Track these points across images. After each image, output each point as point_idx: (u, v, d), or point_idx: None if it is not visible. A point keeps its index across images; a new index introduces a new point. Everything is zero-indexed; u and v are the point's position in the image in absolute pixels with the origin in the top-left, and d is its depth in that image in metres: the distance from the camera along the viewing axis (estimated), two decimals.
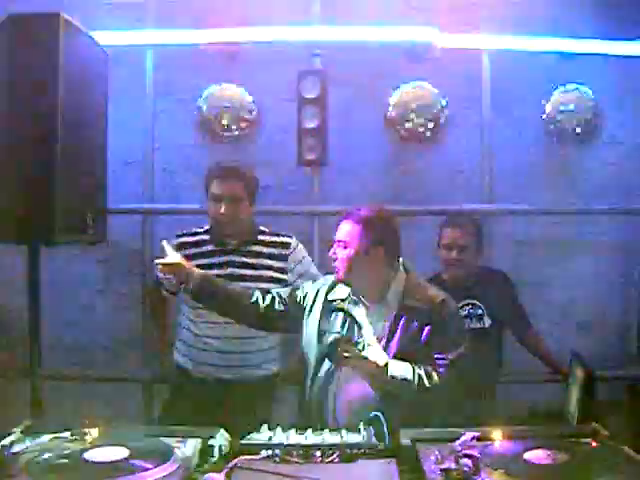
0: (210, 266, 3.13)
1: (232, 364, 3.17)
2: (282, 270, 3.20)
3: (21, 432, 2.03)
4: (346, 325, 2.60)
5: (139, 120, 4.27)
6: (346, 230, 2.59)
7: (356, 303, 2.63)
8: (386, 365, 2.42)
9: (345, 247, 2.57)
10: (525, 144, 4.41)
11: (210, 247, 3.23)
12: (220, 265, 3.17)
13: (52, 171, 2.31)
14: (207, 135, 4.39)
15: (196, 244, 3.24)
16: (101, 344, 4.43)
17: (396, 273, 2.64)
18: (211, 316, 3.11)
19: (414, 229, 3.76)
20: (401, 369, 2.44)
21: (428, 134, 4.34)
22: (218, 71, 4.32)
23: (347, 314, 2.61)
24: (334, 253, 2.60)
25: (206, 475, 1.70)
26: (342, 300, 2.64)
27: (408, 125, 4.33)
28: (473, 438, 1.91)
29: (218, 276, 3.10)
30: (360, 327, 2.57)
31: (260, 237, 3.25)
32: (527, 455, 1.84)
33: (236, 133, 4.38)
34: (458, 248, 3.43)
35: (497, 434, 1.99)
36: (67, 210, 2.40)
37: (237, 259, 3.19)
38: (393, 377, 2.42)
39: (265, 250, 3.22)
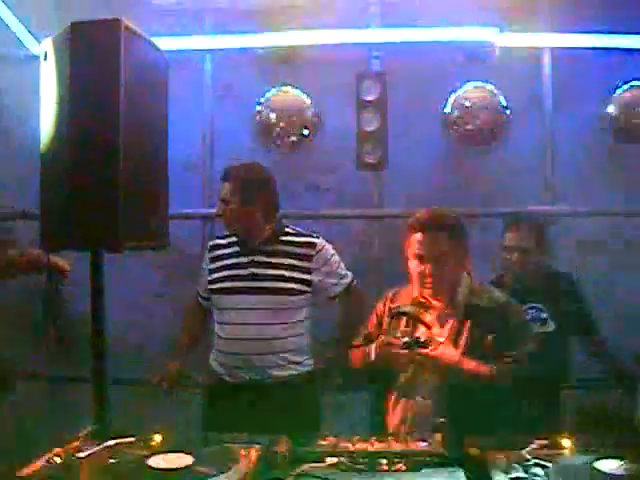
0: (233, 266, 3.20)
1: (255, 365, 3.13)
2: (307, 270, 3.17)
3: (86, 437, 2.04)
4: (410, 328, 2.60)
5: (199, 125, 4.31)
6: (432, 241, 2.58)
7: (425, 306, 2.63)
8: (459, 361, 2.45)
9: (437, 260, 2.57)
10: (588, 143, 4.29)
11: (236, 248, 3.26)
12: (243, 265, 3.19)
13: (115, 177, 2.30)
14: (266, 140, 4.38)
15: (225, 246, 3.29)
16: (159, 349, 4.45)
17: (461, 275, 2.65)
18: (232, 317, 3.16)
19: (476, 231, 3.69)
20: (473, 364, 2.45)
21: (489, 135, 4.25)
22: (277, 75, 4.33)
23: (412, 317, 2.61)
24: (420, 267, 2.60)
25: None
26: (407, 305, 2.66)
27: (468, 126, 4.25)
28: (543, 446, 1.86)
29: (239, 276, 3.17)
30: (428, 328, 2.56)
31: (284, 237, 3.23)
32: (598, 464, 1.77)
33: (295, 138, 4.36)
34: (520, 250, 3.36)
35: (566, 442, 1.94)
36: (131, 216, 2.39)
37: (259, 259, 3.18)
38: (466, 373, 2.43)
39: (289, 249, 3.20)
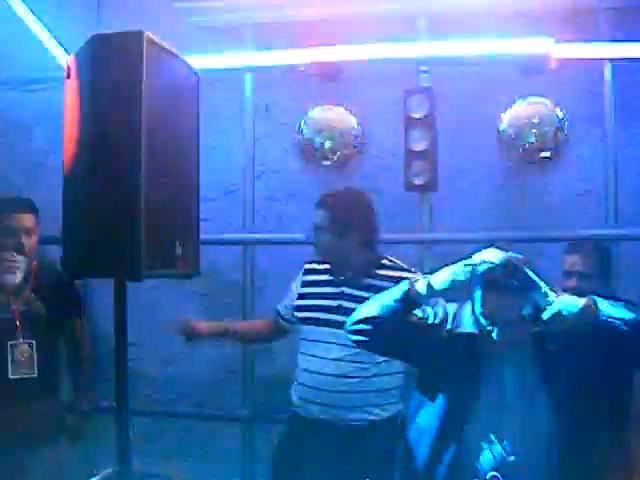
0: (321, 296, 3.02)
1: (333, 404, 2.92)
2: None
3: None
4: None
5: (240, 146, 4.16)
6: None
7: None
8: (594, 303, 2.12)
9: None
10: None
11: (327, 277, 3.07)
12: (331, 296, 3.00)
13: (137, 201, 2.14)
14: (310, 160, 4.22)
15: (320, 272, 3.10)
16: (198, 380, 4.29)
17: None
18: (314, 350, 2.98)
19: (533, 256, 3.43)
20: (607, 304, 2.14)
21: (546, 153, 3.99)
22: (320, 92, 4.15)
23: None
24: None
25: None
26: None
27: (524, 144, 3.99)
28: None
29: (326, 307, 2.98)
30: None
31: (379, 270, 3.00)
32: None
33: (340, 157, 4.18)
34: (577, 275, 3.10)
35: None
36: (153, 243, 2.22)
37: (349, 292, 2.98)
38: (604, 313, 2.10)
39: (382, 284, 2.87)
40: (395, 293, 2.31)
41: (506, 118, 4.03)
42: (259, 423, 4.00)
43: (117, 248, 2.17)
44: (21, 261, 3.11)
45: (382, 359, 2.95)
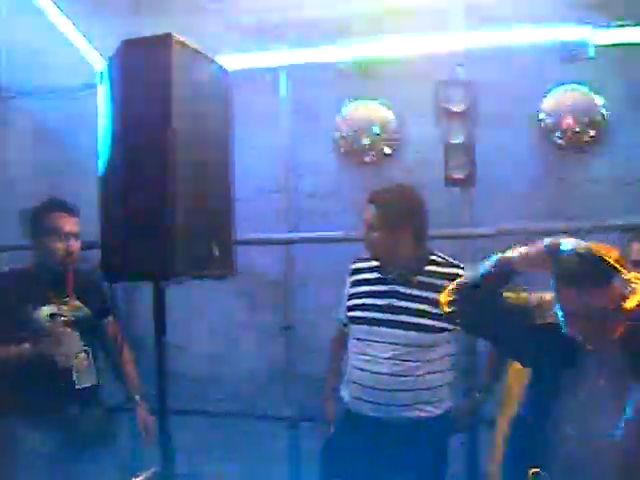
0: (371, 294, 3.03)
1: (385, 402, 2.94)
2: None
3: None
4: None
5: (279, 145, 4.17)
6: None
7: None
8: None
9: None
10: None
11: (376, 274, 3.07)
12: (381, 294, 3.01)
13: (170, 202, 2.16)
14: (348, 156, 4.19)
15: (367, 270, 3.11)
16: (244, 379, 4.30)
17: None
18: (365, 348, 2.99)
19: None
20: None
21: (588, 141, 3.89)
22: (357, 88, 4.12)
23: None
24: None
25: None
26: None
27: (565, 133, 3.90)
28: None
29: (377, 306, 2.98)
30: None
31: (429, 267, 3.01)
32: None
33: (378, 153, 4.14)
34: None
35: None
36: (188, 244, 2.24)
37: (400, 289, 2.99)
38: None
39: (432, 281, 2.95)
40: (482, 268, 2.29)
41: (545, 107, 3.94)
42: (304, 422, 4.00)
43: (152, 250, 2.19)
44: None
45: (434, 357, 2.95)
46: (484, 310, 2.31)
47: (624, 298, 2.01)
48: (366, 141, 4.13)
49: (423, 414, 2.96)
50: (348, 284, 3.17)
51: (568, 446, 2.08)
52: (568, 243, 2.09)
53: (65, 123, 4.38)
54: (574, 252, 2.04)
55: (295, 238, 4.15)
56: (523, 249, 2.22)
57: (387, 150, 4.14)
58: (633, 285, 2.01)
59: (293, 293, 4.17)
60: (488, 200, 3.91)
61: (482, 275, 2.28)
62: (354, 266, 3.17)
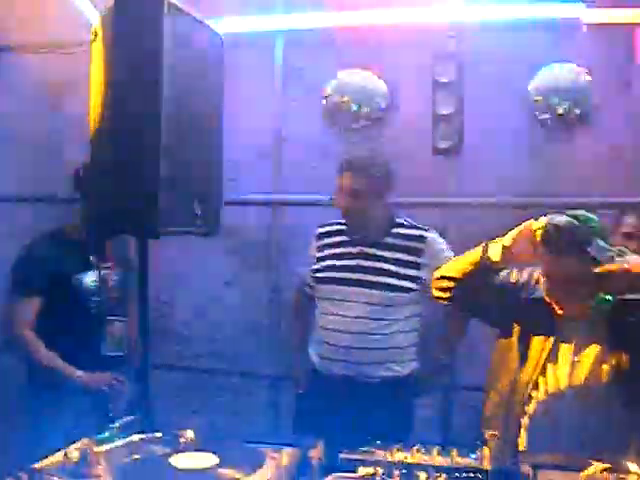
0: (339, 256, 3.13)
1: (356, 360, 3.05)
2: (415, 265, 3.06)
3: (117, 429, 1.96)
4: None
5: (270, 109, 4.21)
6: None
7: None
8: None
9: None
10: None
11: (343, 237, 3.17)
12: (349, 256, 3.11)
13: (155, 161, 2.23)
14: (338, 123, 4.23)
15: (333, 234, 3.21)
16: (227, 337, 4.39)
17: None
18: (334, 308, 3.08)
19: None
20: None
21: (575, 119, 3.93)
22: (349, 56, 4.14)
23: None
24: None
25: None
26: None
27: (552, 110, 3.93)
28: (603, 470, 1.66)
29: (345, 267, 3.07)
30: None
31: (395, 229, 3.12)
32: None
33: (367, 120, 4.17)
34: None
35: (634, 467, 1.72)
36: (172, 201, 2.32)
37: (367, 251, 3.09)
38: None
39: (399, 243, 3.09)
40: (471, 257, 2.41)
41: (535, 83, 3.96)
42: (284, 380, 4.10)
43: (136, 207, 2.26)
44: None
45: (402, 316, 3.05)
46: (476, 295, 2.45)
47: (599, 265, 2.13)
48: (355, 108, 4.16)
49: (390, 373, 3.07)
50: (314, 248, 3.26)
51: (539, 405, 2.27)
52: (551, 216, 2.23)
53: (64, 77, 4.38)
54: (553, 221, 2.19)
55: (282, 200, 4.23)
56: (507, 239, 2.32)
57: (376, 118, 4.17)
58: (610, 254, 2.13)
59: (280, 256, 4.24)
60: (474, 172, 3.98)
61: (468, 272, 2.41)
62: (320, 230, 3.28)
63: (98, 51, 2.38)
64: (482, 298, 2.45)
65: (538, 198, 3.81)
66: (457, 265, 2.47)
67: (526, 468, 1.74)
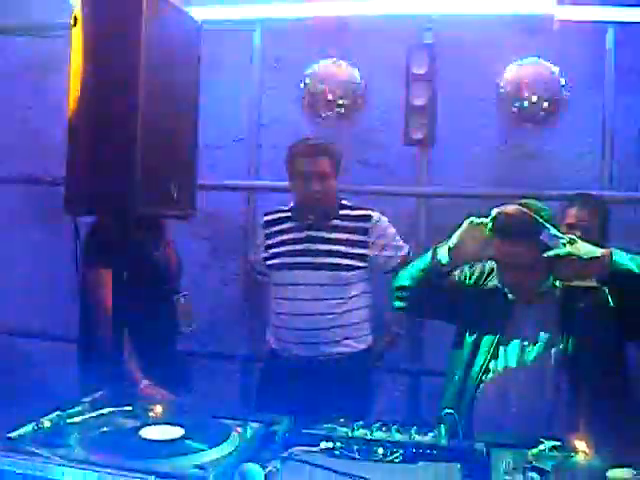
0: (288, 242, 3.21)
1: (311, 341, 3.13)
2: (363, 244, 3.17)
3: (90, 403, 2.03)
4: None
5: (247, 96, 4.27)
6: None
7: None
8: (610, 254, 2.21)
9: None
10: None
11: (290, 224, 3.26)
12: (298, 241, 3.20)
13: (132, 143, 2.28)
14: (313, 111, 4.29)
15: (278, 221, 3.30)
16: (203, 319, 4.45)
17: None
18: (287, 293, 3.17)
19: None
20: (625, 259, 2.22)
21: (544, 114, 4.01)
22: (326, 46, 4.22)
23: None
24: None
25: (243, 464, 1.62)
26: None
27: (523, 104, 4.02)
28: (552, 448, 1.75)
29: (295, 251, 3.17)
30: None
31: (341, 211, 3.22)
32: (610, 473, 1.64)
33: (342, 109, 4.24)
34: (582, 229, 3.16)
35: (581, 445, 1.80)
36: (150, 184, 2.37)
37: (315, 234, 3.18)
38: (618, 266, 2.19)
39: (345, 224, 3.19)
40: (421, 263, 2.51)
41: (506, 77, 4.05)
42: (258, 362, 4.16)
43: (114, 187, 2.31)
44: None
45: (353, 294, 3.15)
46: (431, 300, 2.55)
47: (549, 250, 2.25)
48: (331, 97, 4.22)
49: (347, 349, 3.16)
50: (262, 236, 3.35)
51: (488, 385, 2.40)
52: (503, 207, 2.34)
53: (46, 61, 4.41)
54: (505, 209, 2.31)
55: (257, 186, 4.29)
56: (453, 240, 2.43)
57: (351, 107, 4.24)
58: (562, 241, 2.24)
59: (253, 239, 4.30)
60: (445, 163, 4.07)
61: (421, 279, 2.51)
62: (266, 218, 3.36)
63: (78, 36, 2.41)
64: (438, 301, 2.55)
65: (508, 189, 3.89)
66: (410, 273, 2.57)
67: (480, 446, 1.82)
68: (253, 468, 1.57)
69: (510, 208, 2.31)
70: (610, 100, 3.89)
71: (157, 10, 2.34)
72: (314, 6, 3.98)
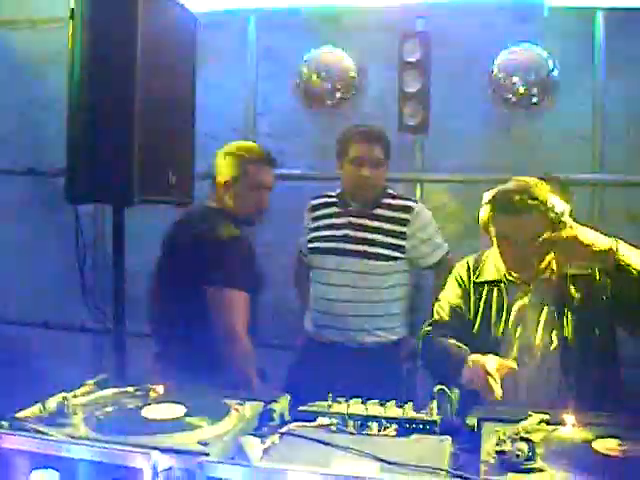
0: (330, 227, 3.24)
1: (344, 327, 3.16)
2: (401, 235, 3.16)
3: (94, 384, 2.08)
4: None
5: (242, 86, 4.31)
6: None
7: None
8: (615, 248, 2.14)
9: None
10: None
11: (335, 209, 3.29)
12: (340, 226, 3.23)
13: (130, 133, 2.36)
14: (309, 100, 4.34)
15: (325, 205, 3.33)
16: None
17: None
18: (326, 278, 3.20)
19: None
20: (629, 253, 2.15)
21: (536, 99, 4.07)
22: (321, 35, 4.27)
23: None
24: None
25: (242, 437, 1.68)
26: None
27: (515, 89, 4.07)
28: (541, 421, 1.81)
29: (335, 237, 3.20)
30: None
31: (385, 200, 3.23)
32: (596, 444, 1.70)
33: (337, 98, 4.30)
34: None
35: (569, 418, 1.86)
36: (147, 173, 2.44)
37: (356, 221, 3.20)
38: (622, 260, 2.14)
39: (387, 213, 3.20)
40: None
41: (499, 64, 4.09)
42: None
43: (113, 176, 2.39)
44: None
45: (389, 284, 3.17)
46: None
47: (551, 228, 2.25)
48: (326, 86, 4.28)
49: (379, 339, 3.18)
50: (308, 220, 3.37)
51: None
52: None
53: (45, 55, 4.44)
54: (509, 185, 2.35)
55: None
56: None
57: (345, 95, 4.30)
58: (564, 219, 2.25)
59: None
60: (440, 149, 4.12)
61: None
62: (314, 202, 3.38)
63: (75, 28, 2.48)
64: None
65: (504, 175, 3.92)
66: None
67: (472, 420, 1.88)
68: (251, 440, 1.63)
69: (513, 183, 2.34)
70: (600, 85, 3.93)
71: (153, 2, 2.40)
72: None
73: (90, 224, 4.20)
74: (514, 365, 2.21)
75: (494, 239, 2.44)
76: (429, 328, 2.57)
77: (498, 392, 2.13)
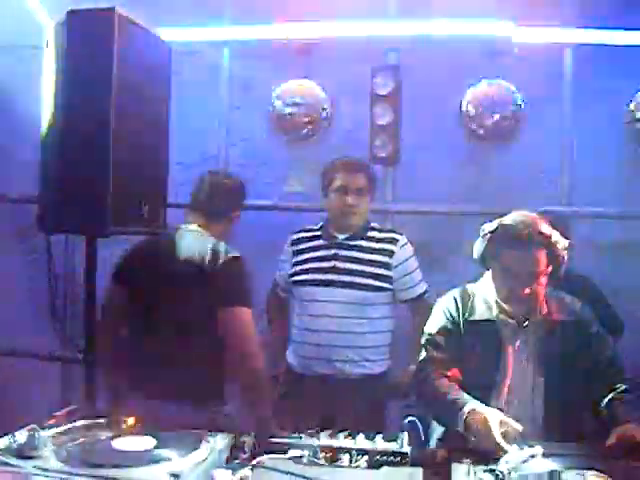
0: (315, 259, 3.23)
1: (330, 358, 3.14)
2: (387, 266, 3.18)
3: (64, 415, 2.07)
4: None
5: (215, 116, 4.34)
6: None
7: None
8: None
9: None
10: (609, 144, 4.16)
11: (319, 242, 3.29)
12: (326, 258, 3.22)
13: (104, 165, 2.35)
14: (281, 131, 4.38)
15: (308, 239, 3.32)
16: None
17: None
18: (310, 309, 3.19)
19: None
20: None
21: (505, 133, 4.17)
22: (293, 67, 4.31)
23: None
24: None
25: (213, 470, 1.68)
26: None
27: (484, 123, 4.17)
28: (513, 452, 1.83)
29: (321, 269, 3.19)
30: None
31: (370, 233, 3.25)
32: (565, 476, 1.74)
33: (309, 130, 4.35)
34: None
35: (538, 449, 1.90)
36: (121, 203, 2.44)
37: (343, 253, 3.21)
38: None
39: (372, 245, 3.21)
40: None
41: (468, 98, 4.20)
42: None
43: (86, 207, 2.38)
44: None
45: (375, 316, 3.16)
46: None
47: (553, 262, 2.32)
48: (298, 116, 4.33)
49: (366, 371, 3.17)
50: (289, 253, 3.35)
51: None
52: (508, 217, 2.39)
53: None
54: (516, 219, 2.34)
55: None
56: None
57: (318, 126, 4.36)
58: (564, 254, 2.31)
59: None
60: (410, 181, 4.17)
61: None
62: (295, 236, 3.37)
63: (50, 59, 2.48)
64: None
65: (471, 206, 3.99)
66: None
67: (442, 452, 1.90)
68: (223, 472, 1.63)
69: (515, 216, 2.35)
70: (568, 118, 4.02)
71: (128, 33, 2.42)
72: (281, 28, 4.07)
73: (61, 252, 4.22)
74: (519, 428, 2.11)
75: (493, 272, 2.43)
76: (422, 366, 2.51)
77: (505, 449, 2.02)
